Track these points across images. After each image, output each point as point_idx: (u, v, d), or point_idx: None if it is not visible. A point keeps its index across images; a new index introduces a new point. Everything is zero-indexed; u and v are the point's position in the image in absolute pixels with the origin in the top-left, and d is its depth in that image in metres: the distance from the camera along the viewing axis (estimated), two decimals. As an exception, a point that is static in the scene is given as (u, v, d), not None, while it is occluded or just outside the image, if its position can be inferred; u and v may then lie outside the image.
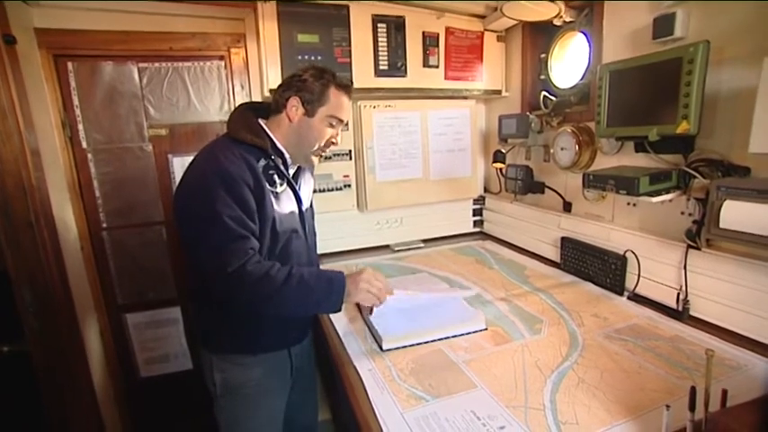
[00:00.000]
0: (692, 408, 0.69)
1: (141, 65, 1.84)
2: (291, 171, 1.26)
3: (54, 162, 1.69)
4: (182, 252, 1.39)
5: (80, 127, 1.80)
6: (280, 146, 1.20)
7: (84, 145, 1.82)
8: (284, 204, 1.18)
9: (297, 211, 1.24)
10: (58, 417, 1.64)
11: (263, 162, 1.13)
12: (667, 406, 0.71)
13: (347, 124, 1.99)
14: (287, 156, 1.21)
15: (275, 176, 1.16)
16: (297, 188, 1.25)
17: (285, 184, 1.19)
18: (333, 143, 1.23)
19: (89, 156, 1.83)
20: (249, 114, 1.21)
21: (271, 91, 1.68)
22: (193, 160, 1.14)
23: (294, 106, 1.16)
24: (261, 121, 1.21)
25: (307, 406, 1.50)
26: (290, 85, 1.18)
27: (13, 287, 1.46)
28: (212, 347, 1.23)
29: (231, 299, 1.08)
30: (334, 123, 1.20)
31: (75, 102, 1.77)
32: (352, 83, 1.25)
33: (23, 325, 1.51)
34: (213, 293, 1.10)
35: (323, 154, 1.26)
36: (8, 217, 1.42)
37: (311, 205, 1.43)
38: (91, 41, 1.71)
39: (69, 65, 1.74)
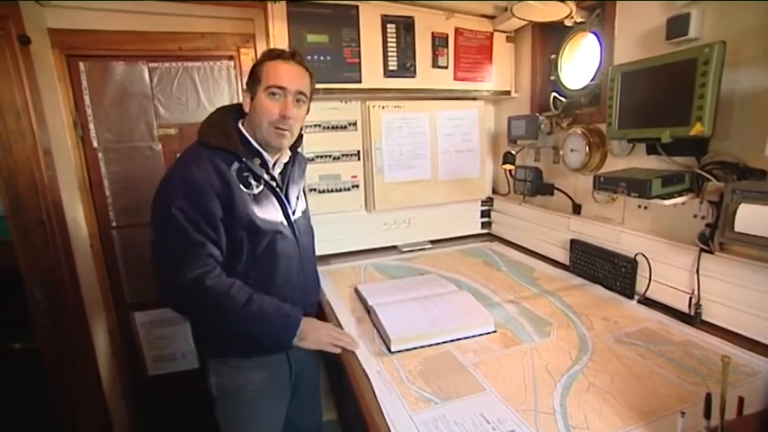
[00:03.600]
0: (707, 415, 0.68)
1: (152, 65, 1.86)
2: (278, 170, 1.22)
3: (65, 161, 1.71)
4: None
5: (91, 126, 1.81)
6: (255, 145, 1.16)
7: (95, 144, 1.84)
8: (264, 206, 1.15)
9: (280, 212, 1.20)
10: (67, 413, 1.65)
11: (235, 165, 1.11)
12: (683, 413, 0.70)
13: (355, 125, 1.99)
14: (266, 155, 1.17)
15: (250, 178, 1.13)
16: (280, 188, 1.21)
17: (262, 186, 1.16)
18: (285, 117, 1.12)
19: (99, 155, 1.85)
20: (227, 117, 1.18)
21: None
22: (172, 164, 1.13)
23: (246, 97, 1.16)
24: (240, 123, 1.19)
25: (310, 410, 1.50)
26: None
27: (25, 285, 1.48)
28: (208, 350, 1.23)
29: (185, 309, 1.09)
30: (274, 92, 1.12)
31: (87, 101, 1.79)
32: (294, 51, 1.18)
33: (34, 322, 1.52)
34: (168, 302, 1.10)
35: (281, 132, 1.14)
36: (20, 216, 1.44)
37: (306, 205, 1.39)
38: (102, 41, 1.73)
39: (81, 65, 1.75)
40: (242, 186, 1.10)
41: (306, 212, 1.38)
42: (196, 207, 1.03)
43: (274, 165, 1.21)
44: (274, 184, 1.18)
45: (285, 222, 1.21)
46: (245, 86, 1.16)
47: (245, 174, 1.12)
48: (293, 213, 1.24)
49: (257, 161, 1.15)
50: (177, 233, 1.02)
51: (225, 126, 1.15)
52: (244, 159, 1.11)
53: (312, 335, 1.15)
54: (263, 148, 1.17)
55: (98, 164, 1.85)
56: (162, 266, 1.06)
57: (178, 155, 1.17)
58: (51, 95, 1.63)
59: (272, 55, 1.15)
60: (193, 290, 1.02)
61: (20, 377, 1.72)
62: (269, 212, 1.16)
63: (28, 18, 1.47)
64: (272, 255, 1.16)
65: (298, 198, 1.31)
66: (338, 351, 1.16)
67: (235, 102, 1.94)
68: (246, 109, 1.16)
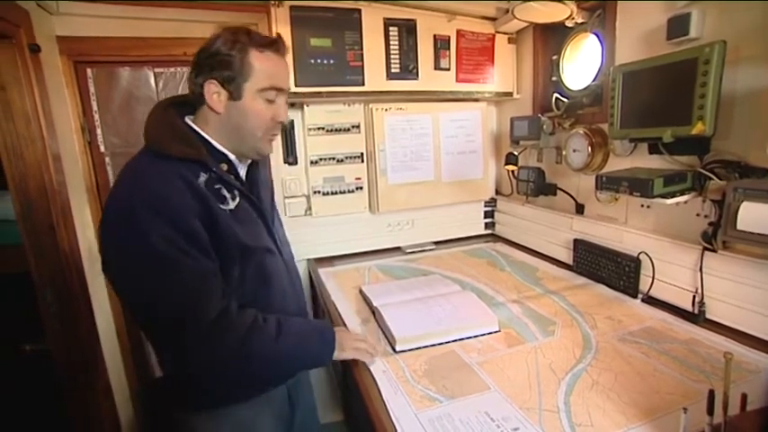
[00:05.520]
0: (710, 411, 0.69)
1: (157, 70, 1.88)
2: (242, 171, 1.02)
3: (74, 166, 1.74)
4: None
5: (98, 131, 1.84)
6: (220, 148, 0.96)
7: (102, 149, 1.86)
8: (244, 222, 0.95)
9: (262, 225, 1.02)
10: (77, 414, 1.67)
11: (203, 177, 0.88)
12: (685, 409, 0.71)
13: (358, 127, 2.01)
14: (232, 158, 0.98)
15: (223, 191, 0.92)
16: (255, 197, 1.01)
17: (239, 197, 0.95)
18: (280, 122, 0.98)
19: (107, 159, 1.88)
20: (172, 114, 0.94)
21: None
22: (114, 187, 0.89)
23: (214, 93, 0.91)
24: (189, 119, 0.96)
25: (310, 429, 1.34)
26: (200, 66, 0.91)
27: (36, 288, 1.50)
28: (197, 403, 0.99)
29: (214, 362, 0.85)
30: (271, 97, 0.94)
31: (94, 107, 1.82)
32: (280, 37, 0.97)
33: (45, 324, 1.54)
34: (188, 359, 0.85)
35: (272, 138, 1.01)
36: (31, 220, 1.46)
37: (276, 211, 1.20)
38: (109, 48, 1.76)
39: (89, 71, 1.78)
40: (217, 202, 0.89)
41: (281, 220, 1.23)
42: (184, 231, 0.82)
43: None
44: (244, 189, 0.99)
45: (269, 237, 1.03)
46: (207, 79, 0.90)
47: (216, 186, 0.91)
48: (272, 223, 1.07)
49: (224, 167, 0.95)
50: (173, 269, 0.80)
51: (179, 129, 0.93)
52: (213, 168, 0.91)
53: (349, 343, 1.06)
54: (233, 153, 0.98)
55: (105, 168, 1.88)
56: (171, 320, 0.83)
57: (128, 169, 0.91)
58: (60, 101, 1.66)
59: (265, 43, 0.92)
60: (218, 333, 0.82)
61: (31, 378, 1.74)
62: (252, 229, 0.98)
63: (38, 27, 1.49)
64: (263, 277, 0.98)
65: (272, 205, 1.16)
66: (373, 360, 1.10)
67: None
68: (219, 109, 0.92)
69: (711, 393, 0.68)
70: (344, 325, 1.35)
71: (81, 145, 1.79)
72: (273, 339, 0.91)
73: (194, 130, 0.95)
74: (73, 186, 1.70)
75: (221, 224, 0.88)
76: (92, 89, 1.80)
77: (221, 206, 0.90)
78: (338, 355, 1.04)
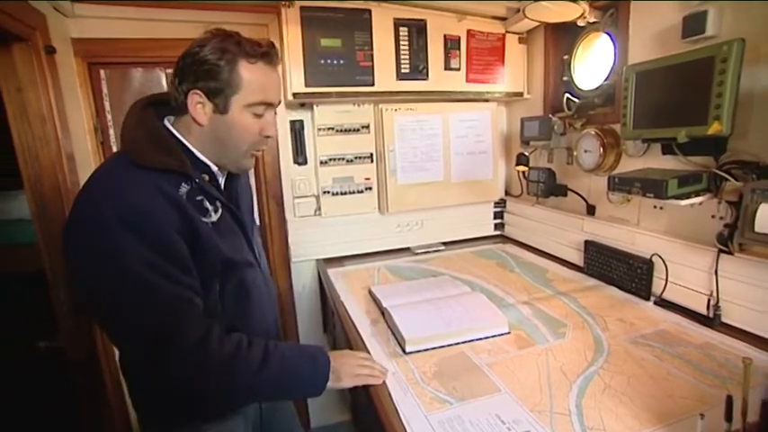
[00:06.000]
0: (728, 418, 0.67)
1: (169, 71, 1.89)
2: (222, 180, 0.98)
3: (87, 166, 1.76)
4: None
5: (111, 132, 1.86)
6: (202, 158, 0.91)
7: (115, 149, 1.88)
8: (226, 234, 0.91)
9: (243, 237, 0.98)
10: (88, 411, 1.69)
11: (184, 188, 0.84)
12: (702, 415, 0.69)
13: (368, 127, 2.00)
14: (214, 168, 0.93)
15: (205, 202, 0.87)
16: (236, 209, 0.97)
17: (221, 209, 0.91)
18: (268, 137, 0.93)
19: (119, 159, 1.90)
20: (151, 116, 0.89)
21: (294, 95, 1.73)
22: (86, 193, 0.81)
23: (198, 103, 0.86)
24: (168, 122, 0.91)
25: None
26: (184, 71, 0.85)
27: (49, 286, 1.52)
28: (167, 416, 0.94)
29: (191, 390, 0.83)
30: (260, 112, 0.89)
31: (107, 107, 1.84)
32: (273, 46, 0.91)
33: (58, 323, 1.57)
34: (158, 383, 0.84)
35: (257, 153, 0.97)
36: (45, 219, 1.48)
37: (254, 222, 1.16)
38: (122, 49, 1.78)
39: (102, 72, 1.80)
40: (198, 215, 0.85)
41: (258, 225, 1.20)
42: (163, 248, 0.78)
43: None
44: (225, 200, 0.95)
45: (249, 250, 1.00)
46: (192, 88, 0.85)
47: (197, 198, 0.86)
48: (252, 234, 1.04)
49: (206, 177, 0.91)
50: (148, 294, 0.76)
51: (159, 136, 0.87)
52: (196, 179, 0.87)
53: (346, 370, 0.98)
54: (214, 164, 0.94)
55: (118, 168, 1.90)
56: (142, 347, 0.79)
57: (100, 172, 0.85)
58: (74, 102, 1.68)
59: (256, 53, 0.86)
60: (194, 362, 0.79)
61: (44, 374, 1.77)
62: (234, 242, 0.94)
63: (53, 29, 1.52)
64: (243, 291, 0.95)
65: (251, 212, 1.13)
66: (380, 382, 1.02)
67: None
68: (202, 122, 0.87)
69: (730, 399, 0.67)
70: (354, 325, 1.35)
71: (94, 145, 1.81)
72: (254, 372, 0.85)
73: (176, 137, 0.90)
74: (86, 186, 1.72)
75: (203, 238, 0.84)
76: (105, 90, 1.83)
77: (203, 219, 0.86)
78: (334, 385, 0.97)
